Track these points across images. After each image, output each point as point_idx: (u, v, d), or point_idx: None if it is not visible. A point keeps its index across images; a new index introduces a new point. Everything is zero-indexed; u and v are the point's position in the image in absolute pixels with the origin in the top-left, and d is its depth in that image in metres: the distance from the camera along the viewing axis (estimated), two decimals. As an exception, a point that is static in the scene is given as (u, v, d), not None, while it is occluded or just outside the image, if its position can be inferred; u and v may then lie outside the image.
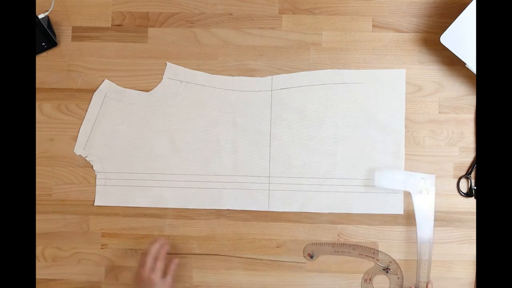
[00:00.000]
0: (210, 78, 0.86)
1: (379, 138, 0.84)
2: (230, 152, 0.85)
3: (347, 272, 0.83)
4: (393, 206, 0.83)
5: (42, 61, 0.87)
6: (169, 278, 0.76)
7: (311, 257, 0.80)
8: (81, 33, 0.87)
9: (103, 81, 0.86)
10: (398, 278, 0.82)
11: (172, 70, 0.86)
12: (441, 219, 0.82)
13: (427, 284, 0.78)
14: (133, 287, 0.77)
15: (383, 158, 0.83)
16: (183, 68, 0.86)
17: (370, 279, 0.82)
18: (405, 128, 0.84)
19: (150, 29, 0.87)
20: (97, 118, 0.86)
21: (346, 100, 0.84)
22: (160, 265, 0.76)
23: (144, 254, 0.77)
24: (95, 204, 0.85)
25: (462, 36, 0.78)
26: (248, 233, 0.84)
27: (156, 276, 0.74)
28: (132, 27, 0.87)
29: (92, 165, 0.85)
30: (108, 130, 0.86)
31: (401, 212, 0.83)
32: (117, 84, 0.86)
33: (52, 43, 0.85)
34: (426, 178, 0.82)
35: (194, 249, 0.84)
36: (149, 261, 0.75)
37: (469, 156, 0.84)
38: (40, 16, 0.82)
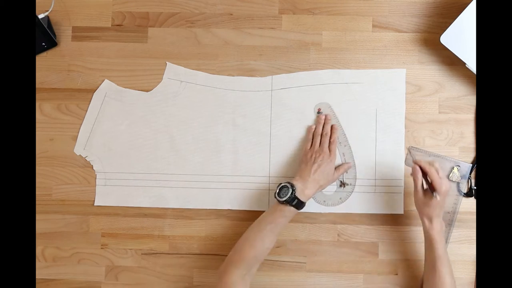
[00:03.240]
0: (210, 78, 0.86)
1: (379, 138, 0.84)
2: (230, 152, 0.85)
3: (347, 272, 0.83)
4: (393, 206, 0.83)
5: (42, 61, 0.87)
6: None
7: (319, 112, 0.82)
8: (81, 33, 0.87)
9: (103, 81, 0.86)
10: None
11: (172, 70, 0.86)
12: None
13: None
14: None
15: (383, 158, 0.83)
16: (183, 68, 0.86)
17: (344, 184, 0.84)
18: (405, 128, 0.84)
19: (150, 29, 0.87)
20: (97, 118, 0.86)
21: (346, 100, 0.84)
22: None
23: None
24: (95, 204, 0.85)
25: (462, 36, 0.78)
26: (248, 233, 0.84)
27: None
28: (132, 27, 0.87)
29: (92, 165, 0.85)
30: (108, 130, 0.86)
31: (401, 212, 0.83)
32: (117, 84, 0.86)
33: (52, 43, 0.85)
34: (461, 165, 0.82)
35: (194, 249, 0.84)
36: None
37: (469, 156, 0.83)
38: (40, 16, 0.82)
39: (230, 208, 0.84)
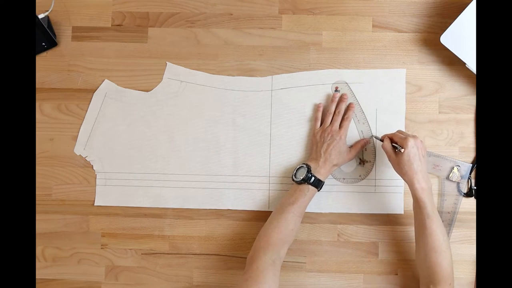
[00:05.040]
0: (210, 78, 0.86)
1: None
2: (230, 152, 0.85)
3: (347, 272, 0.83)
4: (393, 206, 0.83)
5: (42, 61, 0.87)
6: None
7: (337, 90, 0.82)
8: (81, 33, 0.87)
9: (103, 81, 0.86)
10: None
11: (172, 70, 0.86)
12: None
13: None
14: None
15: (383, 157, 0.83)
16: (183, 68, 0.86)
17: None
18: (405, 128, 0.84)
19: (150, 29, 0.87)
20: (97, 118, 0.86)
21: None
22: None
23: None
24: (95, 204, 0.85)
25: (462, 36, 0.78)
26: (248, 233, 0.83)
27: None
28: (132, 27, 0.87)
29: (92, 165, 0.85)
30: (108, 130, 0.86)
31: (401, 212, 0.83)
32: (117, 84, 0.86)
33: (52, 43, 0.85)
34: (461, 166, 0.82)
35: (194, 249, 0.84)
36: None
37: (469, 156, 0.83)
38: (40, 16, 0.82)
39: (230, 208, 0.84)
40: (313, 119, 0.83)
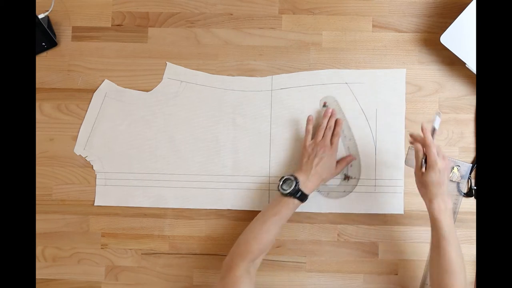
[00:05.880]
0: (210, 78, 0.86)
1: (379, 137, 0.84)
2: (230, 152, 0.85)
3: (347, 272, 0.83)
4: (393, 206, 0.83)
5: (42, 61, 0.87)
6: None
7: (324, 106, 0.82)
8: (81, 33, 0.87)
9: (103, 81, 0.86)
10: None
11: (172, 70, 0.86)
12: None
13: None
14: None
15: (383, 157, 0.83)
16: (183, 68, 0.86)
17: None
18: (405, 128, 0.84)
19: (150, 29, 0.87)
20: (97, 118, 0.86)
21: (346, 100, 0.84)
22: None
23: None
24: (95, 204, 0.85)
25: (462, 36, 0.78)
26: (248, 233, 0.83)
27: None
28: (132, 27, 0.87)
29: (92, 165, 0.85)
30: (108, 130, 0.86)
31: (401, 212, 0.83)
32: (117, 84, 0.86)
33: (52, 43, 0.85)
34: (461, 165, 0.82)
35: (194, 249, 0.84)
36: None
37: (469, 156, 0.83)
38: (40, 16, 0.82)
39: (230, 208, 0.84)
40: (305, 131, 0.83)
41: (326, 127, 0.82)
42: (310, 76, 0.85)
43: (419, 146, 0.70)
